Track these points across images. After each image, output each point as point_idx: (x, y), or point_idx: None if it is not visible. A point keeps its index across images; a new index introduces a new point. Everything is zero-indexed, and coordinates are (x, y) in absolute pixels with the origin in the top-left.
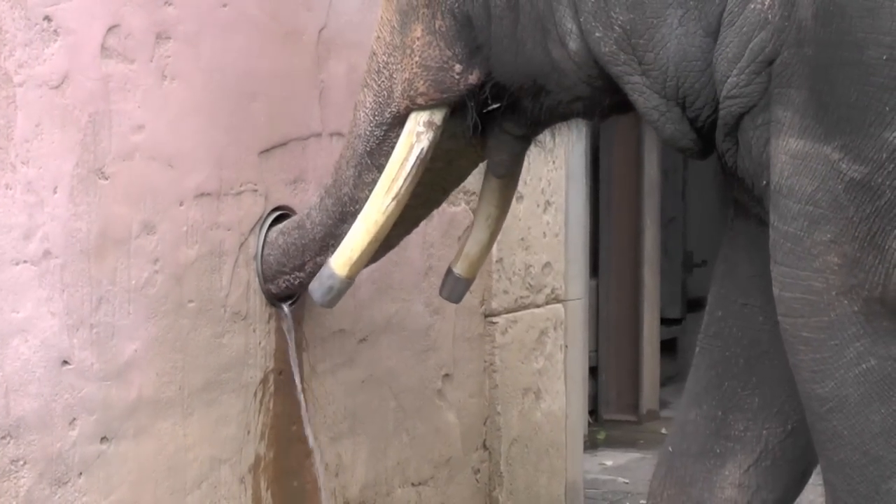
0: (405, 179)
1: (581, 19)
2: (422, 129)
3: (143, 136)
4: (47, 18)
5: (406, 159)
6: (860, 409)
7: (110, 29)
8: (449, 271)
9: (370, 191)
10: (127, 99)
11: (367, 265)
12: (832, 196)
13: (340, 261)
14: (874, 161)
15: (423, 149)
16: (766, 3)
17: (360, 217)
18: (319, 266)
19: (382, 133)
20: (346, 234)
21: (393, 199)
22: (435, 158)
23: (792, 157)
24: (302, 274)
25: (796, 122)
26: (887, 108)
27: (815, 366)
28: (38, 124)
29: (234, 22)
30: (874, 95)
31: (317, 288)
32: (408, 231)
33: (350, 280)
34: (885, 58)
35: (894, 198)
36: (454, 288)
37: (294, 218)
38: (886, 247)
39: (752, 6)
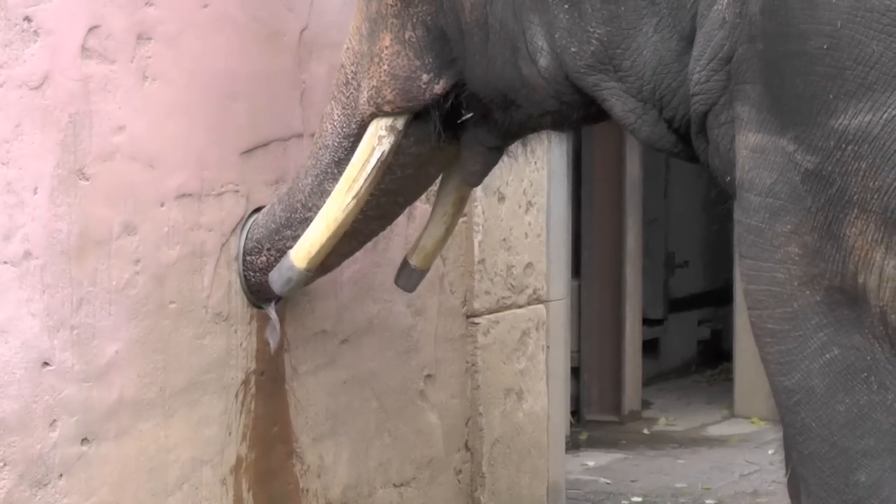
0: (366, 180)
1: (556, 35)
2: (384, 132)
3: (123, 136)
4: (27, 19)
5: (367, 161)
6: (826, 400)
7: (91, 29)
8: (405, 263)
9: None
10: (107, 99)
11: (321, 268)
12: (790, 187)
13: (300, 254)
14: (823, 150)
15: (384, 152)
16: (725, 2)
17: (321, 214)
18: (249, 264)
19: (350, 144)
20: (285, 239)
21: (353, 197)
22: (405, 165)
23: (751, 150)
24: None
25: (753, 116)
26: (831, 97)
27: (781, 357)
28: (19, 125)
29: (215, 22)
30: (819, 84)
31: (276, 279)
32: (355, 249)
33: (308, 272)
34: (825, 47)
35: (844, 185)
36: (409, 278)
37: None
38: (841, 235)
39: (715, 7)
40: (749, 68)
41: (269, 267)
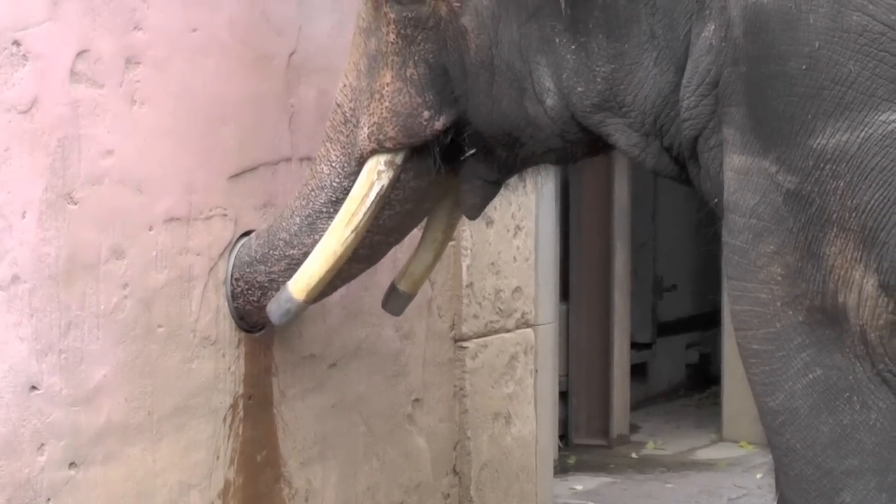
0: (365, 214)
1: (563, 76)
2: (383, 167)
3: (112, 160)
4: (16, 43)
5: (367, 195)
6: (810, 421)
7: (79, 54)
8: (393, 287)
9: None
10: (96, 123)
11: (318, 299)
12: (773, 208)
13: (299, 286)
14: (803, 170)
15: (383, 186)
16: (712, 28)
17: (319, 247)
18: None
19: (350, 184)
20: (257, 273)
21: (352, 231)
22: (405, 199)
23: (736, 172)
24: None
25: (738, 138)
26: (810, 116)
27: (765, 378)
28: (7, 149)
29: (203, 47)
30: (798, 105)
31: (274, 310)
32: (334, 289)
33: (306, 304)
34: (804, 67)
35: (823, 204)
36: (397, 303)
37: None
38: (821, 254)
39: (703, 34)
40: (733, 91)
41: (234, 297)
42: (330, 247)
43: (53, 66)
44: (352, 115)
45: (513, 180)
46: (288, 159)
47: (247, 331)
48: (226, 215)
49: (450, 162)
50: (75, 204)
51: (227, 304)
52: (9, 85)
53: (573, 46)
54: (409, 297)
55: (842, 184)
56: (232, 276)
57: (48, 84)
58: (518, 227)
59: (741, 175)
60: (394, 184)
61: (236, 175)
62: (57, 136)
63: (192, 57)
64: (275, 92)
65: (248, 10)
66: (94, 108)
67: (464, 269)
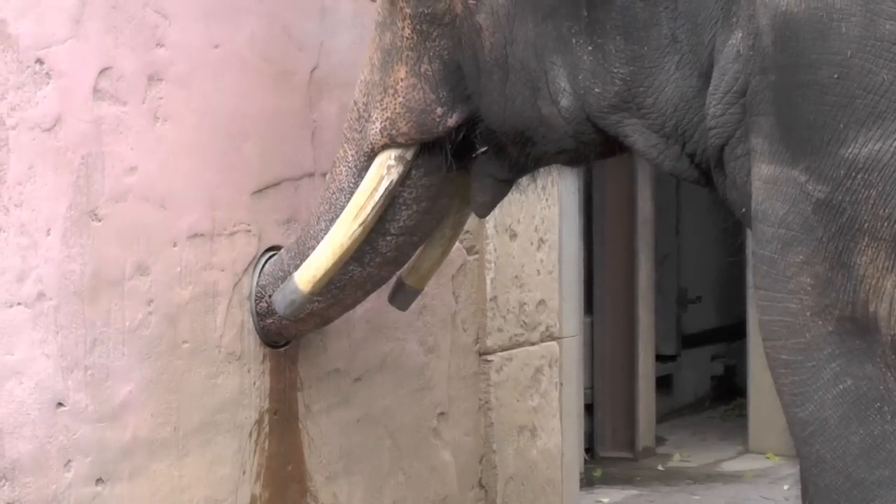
0: (373, 208)
1: (580, 77)
2: (393, 162)
3: (135, 177)
4: (39, 61)
5: (376, 189)
6: (840, 432)
7: (102, 71)
8: (400, 282)
9: None
10: (119, 141)
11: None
12: (802, 218)
13: (305, 277)
14: (834, 179)
15: (392, 181)
16: (739, 36)
17: (326, 239)
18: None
19: None
20: (288, 288)
21: (360, 224)
22: (419, 198)
23: (764, 182)
24: None
25: (766, 147)
26: (841, 126)
27: (794, 388)
28: (31, 167)
29: (225, 63)
30: (829, 114)
31: (279, 300)
32: (363, 297)
33: (311, 296)
34: (836, 76)
35: (855, 214)
36: (404, 297)
37: None
38: (852, 264)
39: (730, 42)
40: (762, 100)
41: (270, 313)
42: (337, 240)
43: (76, 84)
44: (364, 110)
45: (524, 180)
46: (311, 174)
47: (271, 346)
48: (249, 231)
49: (461, 159)
50: (99, 221)
51: (251, 319)
52: (32, 103)
53: (590, 48)
54: (416, 292)
55: (874, 193)
56: (265, 294)
57: (71, 102)
58: (542, 240)
59: (770, 185)
60: (403, 179)
61: (259, 191)
62: (80, 153)
63: (215, 73)
64: (297, 107)
65: (270, 26)
66: (118, 125)
67: (488, 282)
